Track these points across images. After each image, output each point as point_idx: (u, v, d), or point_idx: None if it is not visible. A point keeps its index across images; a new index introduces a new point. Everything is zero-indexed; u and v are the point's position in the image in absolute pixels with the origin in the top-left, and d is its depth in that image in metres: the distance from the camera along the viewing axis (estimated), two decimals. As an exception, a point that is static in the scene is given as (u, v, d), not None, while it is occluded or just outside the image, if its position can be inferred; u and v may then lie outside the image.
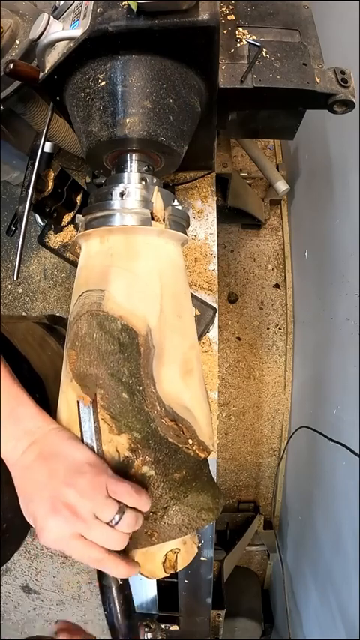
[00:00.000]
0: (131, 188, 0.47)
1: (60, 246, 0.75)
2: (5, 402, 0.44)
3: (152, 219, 0.46)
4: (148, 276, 0.45)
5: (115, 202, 0.46)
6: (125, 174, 0.50)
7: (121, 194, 0.46)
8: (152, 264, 0.46)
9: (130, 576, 0.43)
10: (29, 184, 0.63)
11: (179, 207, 0.49)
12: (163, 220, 0.48)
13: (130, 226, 0.45)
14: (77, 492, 0.39)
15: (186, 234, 0.50)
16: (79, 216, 0.49)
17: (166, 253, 0.47)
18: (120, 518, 0.39)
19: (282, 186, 1.22)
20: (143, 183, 0.49)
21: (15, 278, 0.60)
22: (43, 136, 0.63)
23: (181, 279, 0.49)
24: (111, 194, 0.46)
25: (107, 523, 0.39)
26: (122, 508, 0.40)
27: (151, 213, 0.46)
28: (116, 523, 0.39)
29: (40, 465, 0.41)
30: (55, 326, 0.93)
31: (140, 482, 0.43)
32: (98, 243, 0.46)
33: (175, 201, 0.49)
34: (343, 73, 0.55)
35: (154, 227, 0.46)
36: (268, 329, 1.61)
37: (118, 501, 0.40)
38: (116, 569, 0.41)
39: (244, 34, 0.57)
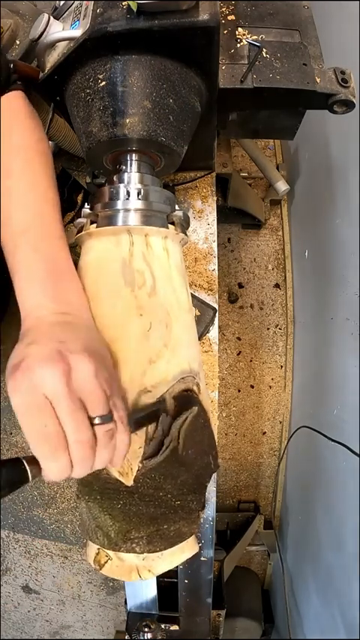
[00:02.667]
0: (145, 188, 0.47)
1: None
2: (54, 264, 0.42)
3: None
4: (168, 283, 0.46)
5: (133, 202, 0.46)
6: (126, 174, 0.50)
7: (138, 193, 0.47)
8: (166, 267, 0.47)
9: (51, 476, 0.35)
10: (29, 184, 0.63)
11: (180, 209, 0.50)
12: (173, 223, 0.49)
13: (150, 227, 0.46)
14: (89, 367, 0.35)
15: (186, 234, 0.50)
16: (85, 211, 0.48)
17: (174, 257, 0.48)
18: (102, 422, 0.36)
19: (282, 186, 1.22)
20: (146, 183, 0.49)
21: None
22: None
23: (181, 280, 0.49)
24: (128, 193, 0.47)
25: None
26: (110, 416, 0.36)
27: (167, 215, 0.47)
28: (98, 424, 0.35)
29: (64, 329, 0.38)
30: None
31: None
32: (114, 243, 0.46)
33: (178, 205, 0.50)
34: (343, 73, 0.55)
35: (170, 230, 0.47)
36: (268, 329, 1.61)
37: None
38: (54, 454, 0.34)
39: (244, 34, 0.57)
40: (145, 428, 0.43)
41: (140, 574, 0.48)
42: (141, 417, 0.42)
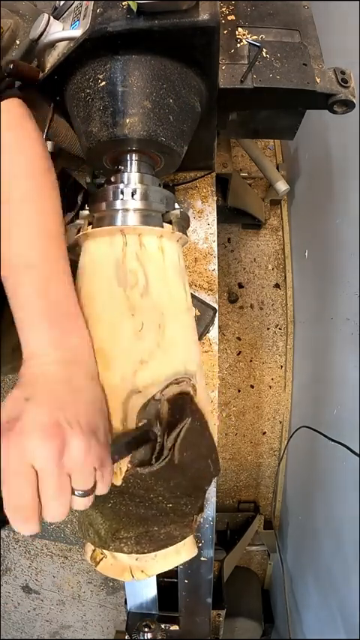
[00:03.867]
0: (141, 188, 0.47)
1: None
2: (58, 306, 0.41)
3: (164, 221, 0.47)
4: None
5: (128, 202, 0.46)
6: (126, 174, 0.50)
7: (133, 193, 0.46)
8: (163, 267, 0.47)
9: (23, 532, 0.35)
10: (29, 184, 0.63)
11: (179, 208, 0.49)
12: (170, 222, 0.48)
13: (143, 227, 0.45)
14: (82, 446, 0.34)
15: (186, 234, 0.50)
16: (83, 213, 0.48)
17: (170, 257, 0.48)
18: (83, 495, 0.35)
19: (282, 186, 1.22)
20: (145, 183, 0.49)
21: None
22: (43, 136, 0.63)
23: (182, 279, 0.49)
24: (122, 192, 0.46)
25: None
26: (93, 489, 0.36)
27: (163, 215, 0.47)
28: (78, 495, 0.35)
29: (64, 388, 0.37)
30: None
31: None
32: (108, 243, 0.46)
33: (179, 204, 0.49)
34: (343, 73, 0.55)
35: (166, 229, 0.47)
36: (268, 329, 1.61)
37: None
38: (25, 523, 0.33)
39: (244, 34, 0.57)
40: (135, 426, 0.43)
41: (133, 574, 0.48)
42: (130, 441, 0.41)
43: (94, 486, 0.37)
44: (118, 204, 0.46)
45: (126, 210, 0.46)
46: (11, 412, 0.34)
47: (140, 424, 0.43)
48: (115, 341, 0.44)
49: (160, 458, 0.42)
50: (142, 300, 0.44)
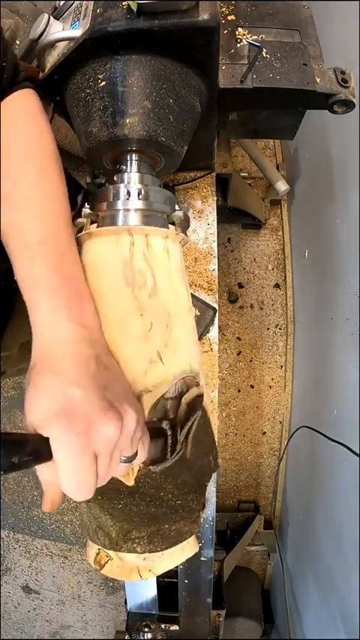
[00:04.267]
0: (145, 188, 0.47)
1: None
2: (72, 281, 0.41)
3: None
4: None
5: (134, 202, 0.46)
6: (126, 174, 0.50)
7: (139, 193, 0.46)
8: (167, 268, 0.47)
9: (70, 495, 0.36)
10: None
11: (180, 209, 0.50)
12: (173, 223, 0.48)
13: (150, 228, 0.46)
14: (134, 420, 0.37)
15: (186, 234, 0.50)
16: (85, 211, 0.48)
17: (174, 258, 0.48)
18: (126, 461, 0.38)
19: (282, 186, 1.22)
20: (145, 183, 0.49)
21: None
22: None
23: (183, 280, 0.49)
24: (129, 193, 0.46)
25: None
26: (135, 455, 0.39)
27: (167, 215, 0.47)
28: (122, 462, 0.38)
29: (99, 368, 0.38)
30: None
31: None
32: (114, 243, 0.46)
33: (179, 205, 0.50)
34: (343, 73, 0.55)
35: (171, 230, 0.47)
36: (268, 329, 1.61)
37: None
38: (85, 495, 0.35)
39: (244, 34, 0.57)
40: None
41: (141, 574, 0.48)
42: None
43: (136, 453, 0.39)
44: (125, 204, 0.46)
45: (131, 210, 0.46)
46: (58, 401, 0.34)
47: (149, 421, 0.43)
48: (125, 341, 0.44)
49: (174, 452, 0.43)
50: (151, 301, 0.45)
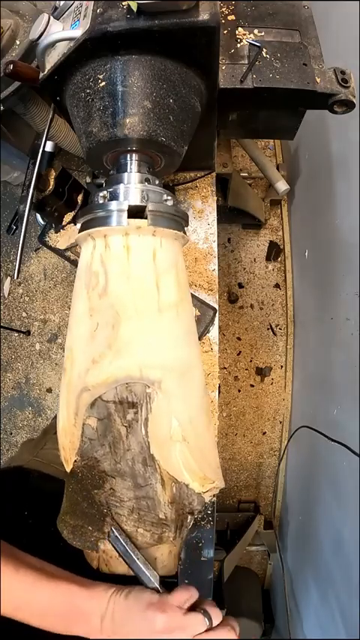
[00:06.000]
0: (123, 188, 0.47)
1: (67, 246, 0.75)
2: (64, 602, 0.45)
3: (134, 216, 0.45)
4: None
5: (97, 205, 0.46)
6: (125, 174, 0.50)
7: (104, 197, 0.47)
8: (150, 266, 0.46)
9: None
10: (30, 183, 0.63)
11: (170, 204, 0.48)
12: (146, 217, 0.45)
13: (105, 228, 0.45)
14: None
15: (185, 232, 0.49)
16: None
17: (138, 254, 0.46)
18: (210, 621, 0.45)
19: (282, 186, 1.22)
20: (145, 183, 0.49)
21: (15, 277, 0.60)
22: (44, 136, 0.63)
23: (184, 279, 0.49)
24: (100, 196, 0.47)
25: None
26: (205, 612, 0.45)
27: (135, 211, 0.45)
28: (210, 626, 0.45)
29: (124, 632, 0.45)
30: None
31: None
32: (84, 248, 0.48)
33: (172, 199, 0.48)
34: (343, 73, 0.55)
35: (130, 225, 0.44)
36: (268, 329, 1.61)
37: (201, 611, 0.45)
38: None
39: (244, 34, 0.57)
40: (82, 422, 0.45)
41: (99, 564, 0.50)
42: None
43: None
44: (94, 208, 0.46)
45: (96, 213, 0.46)
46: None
47: (87, 420, 0.45)
48: (77, 341, 0.46)
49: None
50: (100, 301, 0.45)
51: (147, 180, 0.49)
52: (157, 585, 0.47)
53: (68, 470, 0.47)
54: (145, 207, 0.45)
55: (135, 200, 0.46)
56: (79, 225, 0.49)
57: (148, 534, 0.47)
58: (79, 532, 0.48)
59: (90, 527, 0.47)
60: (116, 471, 0.45)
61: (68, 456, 0.47)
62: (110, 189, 0.47)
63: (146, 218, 0.45)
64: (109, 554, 0.48)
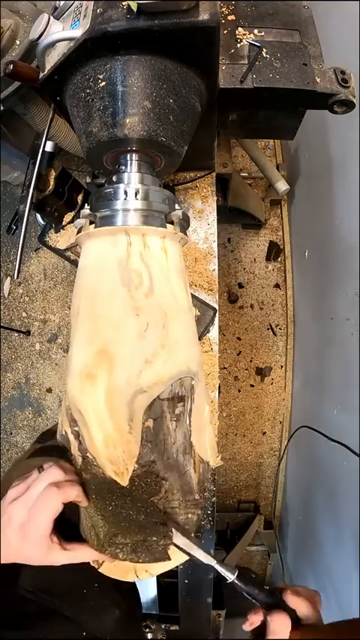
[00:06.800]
0: (143, 188, 0.47)
1: (67, 246, 0.75)
2: None
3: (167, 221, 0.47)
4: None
5: (131, 202, 0.46)
6: (126, 174, 0.50)
7: (136, 193, 0.46)
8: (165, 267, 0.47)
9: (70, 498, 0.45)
10: (30, 183, 0.63)
11: (180, 210, 0.49)
12: (172, 223, 0.48)
13: (146, 227, 0.46)
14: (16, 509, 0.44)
15: (186, 234, 0.50)
16: (84, 212, 0.48)
17: (173, 257, 0.48)
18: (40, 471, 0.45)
19: (282, 186, 1.22)
20: (145, 183, 0.49)
21: (15, 277, 0.60)
22: (45, 136, 0.63)
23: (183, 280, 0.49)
24: (126, 193, 0.46)
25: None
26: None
27: (166, 215, 0.47)
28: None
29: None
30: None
31: None
32: (111, 243, 0.46)
33: (179, 205, 0.49)
34: (343, 73, 0.55)
35: (169, 229, 0.46)
36: (268, 329, 1.61)
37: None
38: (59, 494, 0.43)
39: (244, 34, 0.57)
40: (141, 426, 0.43)
41: (137, 574, 0.48)
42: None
43: None
44: (122, 204, 0.46)
45: (129, 210, 0.46)
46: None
47: (146, 423, 0.43)
48: (120, 341, 0.44)
49: None
50: (147, 301, 0.44)
51: (164, 185, 0.51)
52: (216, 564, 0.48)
53: (125, 483, 0.43)
54: (169, 213, 0.48)
55: (162, 204, 0.48)
56: (87, 214, 0.48)
57: (195, 517, 0.48)
58: (142, 547, 0.46)
59: (155, 538, 0.46)
60: (167, 467, 0.45)
61: (124, 467, 0.43)
62: (136, 187, 0.47)
63: (172, 223, 0.48)
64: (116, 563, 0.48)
